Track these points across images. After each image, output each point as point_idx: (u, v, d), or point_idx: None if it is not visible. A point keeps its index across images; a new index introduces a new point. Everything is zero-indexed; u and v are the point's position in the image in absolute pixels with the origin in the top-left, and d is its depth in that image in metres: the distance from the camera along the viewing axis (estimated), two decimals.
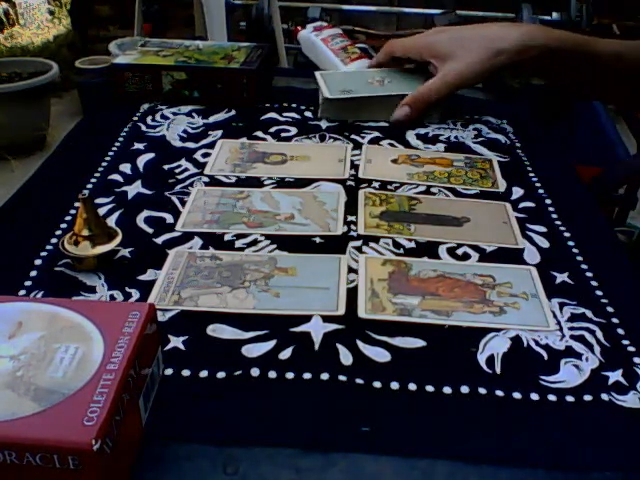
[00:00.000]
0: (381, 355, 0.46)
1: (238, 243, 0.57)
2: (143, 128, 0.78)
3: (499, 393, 0.43)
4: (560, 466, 0.39)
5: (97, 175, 0.67)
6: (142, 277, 0.53)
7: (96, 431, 0.32)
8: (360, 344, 0.46)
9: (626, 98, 0.84)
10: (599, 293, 0.53)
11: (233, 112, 0.82)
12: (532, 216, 0.63)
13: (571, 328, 0.49)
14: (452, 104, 0.84)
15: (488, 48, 0.73)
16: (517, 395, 0.43)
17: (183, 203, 0.63)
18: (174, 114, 0.81)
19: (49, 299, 0.44)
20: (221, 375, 0.44)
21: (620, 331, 0.49)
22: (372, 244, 0.57)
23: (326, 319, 0.48)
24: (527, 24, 0.75)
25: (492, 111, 0.85)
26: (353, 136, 0.77)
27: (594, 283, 0.54)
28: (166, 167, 0.69)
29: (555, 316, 0.50)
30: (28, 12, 2.86)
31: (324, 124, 0.80)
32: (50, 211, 0.61)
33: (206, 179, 0.67)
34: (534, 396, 0.43)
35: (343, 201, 0.63)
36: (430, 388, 0.43)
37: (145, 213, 0.61)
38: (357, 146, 0.75)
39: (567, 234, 0.60)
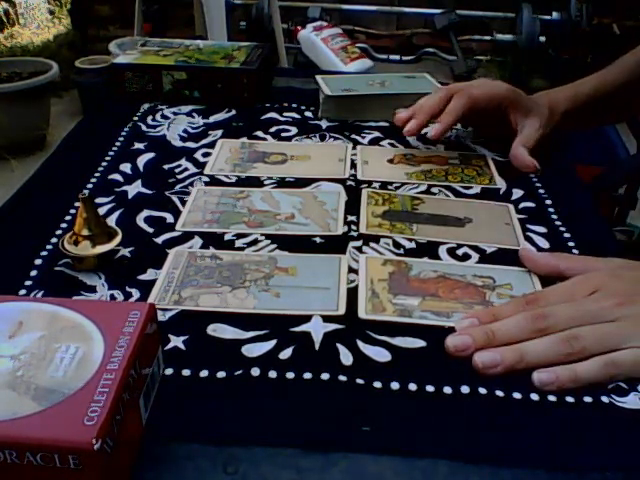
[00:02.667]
0: (381, 355, 0.46)
1: (238, 243, 0.57)
2: (143, 128, 0.78)
3: (499, 393, 0.43)
4: (560, 466, 0.39)
5: (97, 175, 0.68)
6: (142, 277, 0.53)
7: (96, 430, 0.32)
8: (360, 344, 0.46)
9: (624, 116, 0.87)
10: None
11: (233, 112, 0.82)
12: (532, 216, 0.63)
13: None
14: None
15: (546, 113, 0.74)
16: (517, 395, 0.43)
17: (183, 203, 0.63)
18: (174, 114, 0.81)
19: (49, 299, 0.44)
20: (221, 375, 0.44)
21: None
22: (372, 244, 0.57)
23: (326, 319, 0.48)
24: (543, 95, 0.76)
25: None
26: (353, 136, 0.77)
27: None
28: (166, 167, 0.69)
29: None
30: (28, 12, 2.86)
31: (324, 124, 0.80)
32: (50, 211, 0.61)
33: (206, 179, 0.67)
34: (534, 396, 0.43)
35: (343, 201, 0.63)
36: (430, 388, 0.43)
37: (145, 213, 0.61)
38: (357, 146, 0.75)
39: (567, 234, 0.60)
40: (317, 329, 0.48)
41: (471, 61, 3.04)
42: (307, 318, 0.48)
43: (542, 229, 0.61)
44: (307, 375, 0.44)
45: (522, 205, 0.65)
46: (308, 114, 0.82)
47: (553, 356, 0.44)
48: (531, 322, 0.46)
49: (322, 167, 0.70)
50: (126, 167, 0.69)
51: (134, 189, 0.65)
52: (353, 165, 0.70)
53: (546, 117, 0.73)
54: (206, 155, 0.72)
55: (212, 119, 0.80)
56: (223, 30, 2.21)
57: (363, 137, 0.77)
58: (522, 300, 0.49)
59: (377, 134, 0.78)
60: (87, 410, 0.33)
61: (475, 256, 0.56)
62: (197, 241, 0.57)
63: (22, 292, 0.51)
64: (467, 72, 2.94)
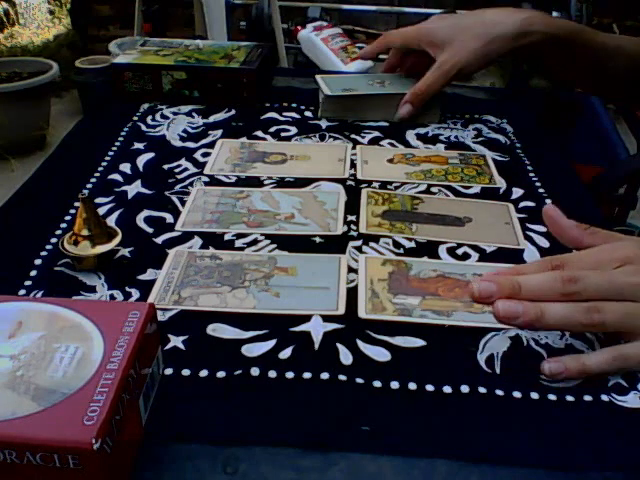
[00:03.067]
0: (381, 354, 0.46)
1: (238, 243, 0.57)
2: (143, 128, 0.78)
3: (499, 393, 0.43)
4: (560, 466, 0.39)
5: (97, 175, 0.68)
6: (142, 277, 0.53)
7: (96, 430, 0.32)
8: (360, 343, 0.46)
9: (625, 93, 0.83)
10: None
11: (233, 112, 0.82)
12: (532, 216, 0.63)
13: None
14: (450, 103, 0.84)
15: (485, 34, 0.71)
16: (517, 394, 0.43)
17: (183, 203, 0.63)
18: (174, 114, 0.81)
19: (49, 299, 0.44)
20: (221, 375, 0.44)
21: None
22: (372, 244, 0.57)
23: (326, 319, 0.48)
24: (528, 10, 0.71)
25: (492, 111, 0.85)
26: (353, 136, 0.77)
27: None
28: (166, 167, 0.69)
29: None
30: (28, 12, 2.86)
31: (324, 124, 0.80)
32: (50, 211, 0.61)
33: (206, 179, 0.67)
34: (534, 395, 0.43)
35: (343, 201, 0.63)
36: (430, 388, 0.43)
37: (145, 213, 0.61)
38: (357, 146, 0.75)
39: None
40: (317, 329, 0.48)
41: None
42: (307, 318, 0.48)
43: (542, 228, 0.61)
44: (307, 375, 0.44)
45: (522, 204, 0.65)
46: (308, 114, 0.82)
47: (571, 324, 0.44)
48: (561, 283, 0.44)
49: (322, 167, 0.70)
50: (126, 167, 0.69)
51: (134, 189, 0.65)
52: (353, 165, 0.70)
53: (476, 43, 0.70)
54: (206, 155, 0.72)
55: (212, 119, 0.80)
56: (223, 30, 2.21)
57: (363, 137, 0.77)
58: (548, 263, 0.46)
59: (377, 134, 0.78)
60: (87, 410, 0.33)
61: (475, 255, 0.56)
62: (197, 241, 0.57)
63: (22, 292, 0.51)
64: None
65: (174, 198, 0.64)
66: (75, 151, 0.74)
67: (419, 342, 0.47)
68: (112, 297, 0.50)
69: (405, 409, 0.42)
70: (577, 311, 0.43)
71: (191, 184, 0.66)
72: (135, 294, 0.51)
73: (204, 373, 0.44)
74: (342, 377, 0.44)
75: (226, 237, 0.58)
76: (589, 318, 0.43)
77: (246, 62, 0.84)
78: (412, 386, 0.43)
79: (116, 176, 0.67)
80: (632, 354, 0.44)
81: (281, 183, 0.67)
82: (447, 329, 0.48)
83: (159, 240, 0.57)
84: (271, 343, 0.46)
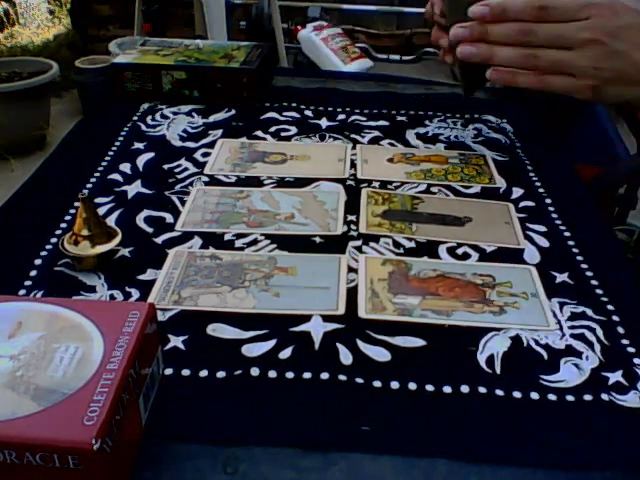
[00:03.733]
0: (381, 355, 0.46)
1: (238, 243, 0.57)
2: (143, 128, 0.78)
3: (499, 393, 0.43)
4: (560, 466, 0.39)
5: (97, 175, 0.67)
6: (142, 277, 0.53)
7: (96, 430, 0.32)
8: (360, 343, 0.46)
9: None
10: (599, 292, 0.53)
11: (233, 112, 0.82)
12: (532, 216, 0.63)
13: (571, 327, 0.49)
14: (450, 103, 0.84)
15: None
16: (517, 394, 0.43)
17: (183, 203, 0.63)
18: (174, 114, 0.81)
19: (49, 299, 0.44)
20: (221, 375, 0.44)
21: (620, 330, 0.49)
22: (372, 244, 0.57)
23: (326, 318, 0.48)
24: None
25: (492, 111, 0.85)
26: (353, 135, 0.77)
27: (594, 282, 0.54)
28: (166, 167, 0.69)
29: (555, 315, 0.50)
30: (28, 12, 2.86)
31: (324, 123, 0.80)
32: (50, 211, 0.61)
33: (206, 179, 0.67)
34: (534, 395, 0.43)
35: (343, 201, 0.63)
36: (430, 388, 0.43)
37: (145, 213, 0.61)
38: (357, 145, 0.75)
39: (567, 234, 0.60)
40: (317, 329, 0.48)
41: None
42: (307, 318, 0.48)
43: (542, 228, 0.61)
44: (307, 375, 0.44)
45: (522, 204, 0.65)
46: (308, 113, 0.82)
47: (516, 63, 0.58)
48: (518, 34, 0.56)
49: (322, 167, 0.70)
50: (126, 167, 0.69)
51: (134, 189, 0.65)
52: (353, 165, 0.70)
53: None
54: (206, 155, 0.72)
55: (212, 119, 0.80)
56: (223, 30, 2.21)
57: (363, 136, 0.77)
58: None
59: (377, 133, 0.78)
60: (87, 410, 0.33)
61: (475, 255, 0.56)
62: (197, 241, 0.57)
63: (22, 292, 0.51)
64: None
65: (174, 198, 0.64)
66: (75, 151, 0.74)
67: (419, 342, 0.47)
68: (112, 297, 0.50)
69: (405, 409, 0.42)
70: (521, 55, 0.57)
71: (191, 184, 0.66)
72: (135, 294, 0.51)
73: (204, 373, 0.44)
74: (342, 377, 0.44)
75: (226, 237, 0.58)
76: (528, 61, 0.57)
77: (246, 62, 0.84)
78: (412, 386, 0.43)
79: (116, 176, 0.67)
80: (552, 81, 0.58)
81: (281, 183, 0.67)
82: (447, 329, 0.48)
83: (159, 240, 0.57)
84: (271, 343, 0.46)
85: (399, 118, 0.82)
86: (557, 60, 0.58)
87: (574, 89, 0.60)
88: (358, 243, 0.57)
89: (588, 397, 0.43)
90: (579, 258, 0.57)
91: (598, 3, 0.57)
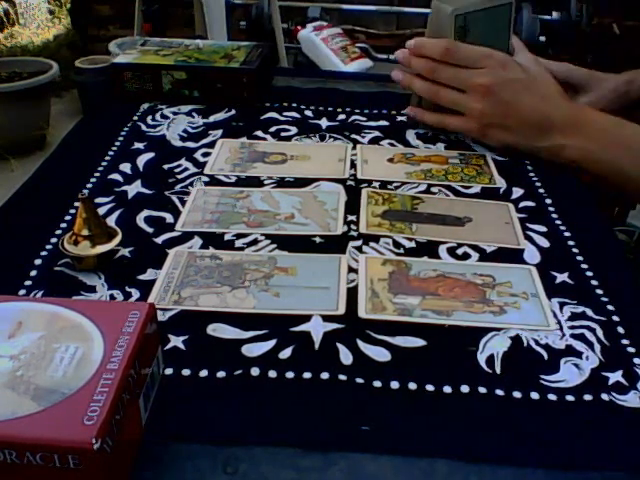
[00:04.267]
0: (381, 354, 0.46)
1: (238, 243, 0.57)
2: (143, 128, 0.78)
3: (499, 393, 0.43)
4: (560, 466, 0.39)
5: (97, 175, 0.67)
6: (142, 277, 0.53)
7: (96, 430, 0.32)
8: (360, 343, 0.46)
9: None
10: (599, 292, 0.53)
11: (233, 112, 0.82)
12: (532, 216, 0.63)
13: (571, 327, 0.49)
14: None
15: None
16: (517, 394, 0.43)
17: (183, 203, 0.63)
18: (174, 114, 0.81)
19: (49, 299, 0.44)
20: (221, 375, 0.44)
21: (620, 330, 0.49)
22: (372, 244, 0.57)
23: (326, 318, 0.48)
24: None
25: None
26: (353, 135, 0.77)
27: (594, 282, 0.54)
28: (166, 167, 0.69)
29: (555, 315, 0.50)
30: (28, 12, 2.86)
31: (324, 123, 0.80)
32: (50, 211, 0.61)
33: (206, 179, 0.67)
34: (534, 395, 0.43)
35: (343, 201, 0.63)
36: (430, 388, 0.43)
37: (145, 213, 0.61)
38: (357, 145, 0.75)
39: (567, 234, 0.60)
40: (317, 329, 0.48)
41: None
42: (307, 318, 0.48)
43: (542, 228, 0.61)
44: (307, 375, 0.44)
45: (522, 204, 0.65)
46: (308, 113, 0.82)
47: (425, 95, 0.72)
48: (426, 69, 0.70)
49: (322, 167, 0.70)
50: (126, 167, 0.69)
51: (134, 189, 0.65)
52: (353, 165, 0.70)
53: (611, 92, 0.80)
54: (206, 155, 0.72)
55: (212, 119, 0.80)
56: (223, 30, 2.21)
57: (363, 137, 0.77)
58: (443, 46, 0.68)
59: (377, 133, 0.78)
60: (87, 410, 0.33)
61: (475, 255, 0.56)
62: (197, 241, 0.57)
63: (22, 292, 0.51)
64: None
65: (174, 198, 0.64)
66: (75, 151, 0.74)
67: (419, 342, 0.47)
68: (112, 297, 0.50)
69: (405, 409, 0.42)
70: (428, 88, 0.70)
71: (191, 184, 0.66)
72: (135, 294, 0.51)
73: (204, 373, 0.44)
74: (342, 377, 0.44)
75: (226, 237, 0.58)
76: (432, 96, 0.70)
77: (246, 62, 0.84)
78: (412, 386, 0.43)
79: (116, 176, 0.67)
80: (450, 122, 0.71)
81: (281, 183, 0.67)
82: (447, 329, 0.48)
83: (159, 240, 0.57)
84: (271, 343, 0.46)
85: (399, 118, 0.82)
86: (453, 99, 0.69)
87: (465, 129, 0.71)
88: (358, 243, 0.57)
89: (588, 397, 0.43)
90: (579, 258, 0.57)
91: (494, 57, 0.67)
